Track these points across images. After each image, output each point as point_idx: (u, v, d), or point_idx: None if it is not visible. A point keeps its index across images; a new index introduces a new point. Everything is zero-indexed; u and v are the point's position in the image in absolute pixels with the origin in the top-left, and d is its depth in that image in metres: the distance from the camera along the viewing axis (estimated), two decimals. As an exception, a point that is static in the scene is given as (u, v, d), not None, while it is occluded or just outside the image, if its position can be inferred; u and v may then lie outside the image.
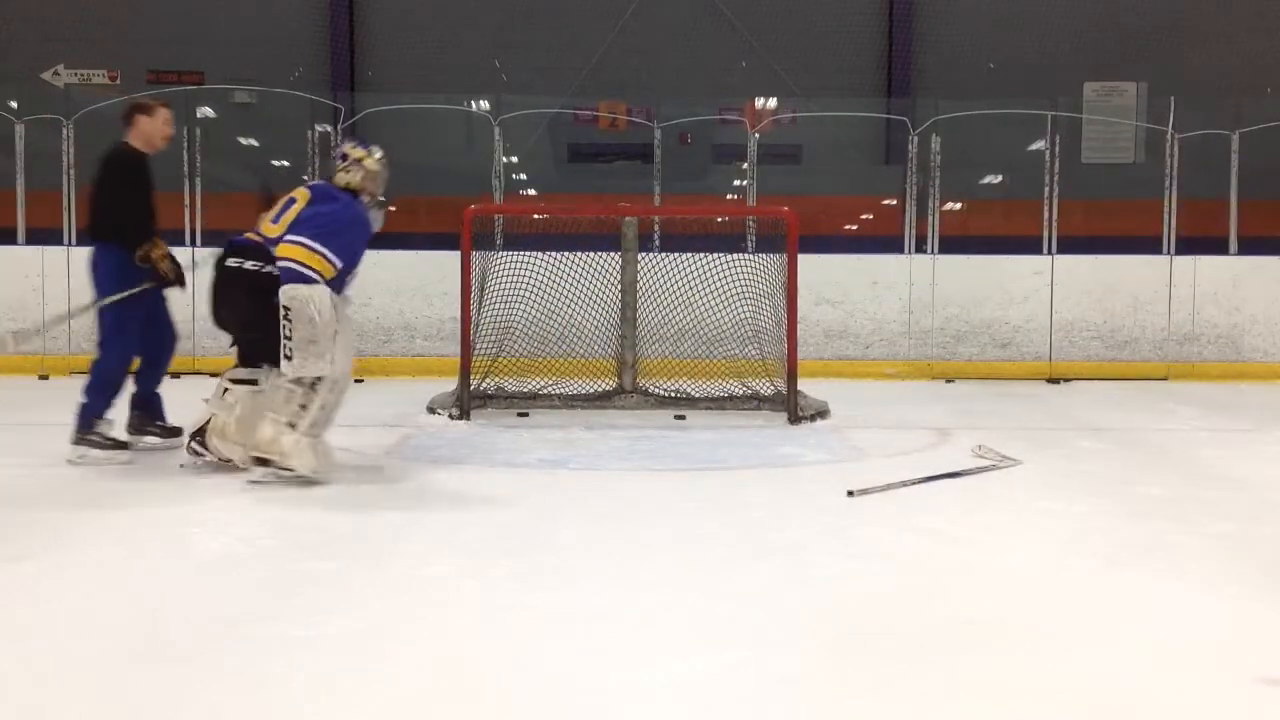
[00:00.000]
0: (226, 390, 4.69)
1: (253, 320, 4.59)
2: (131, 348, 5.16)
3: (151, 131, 5.26)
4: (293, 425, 4.42)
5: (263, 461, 4.43)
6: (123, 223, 5.05)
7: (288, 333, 4.37)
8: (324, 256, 4.46)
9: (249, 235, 4.70)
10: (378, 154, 4.83)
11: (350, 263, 4.63)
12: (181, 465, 4.79)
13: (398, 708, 2.23)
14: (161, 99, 5.50)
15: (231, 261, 4.64)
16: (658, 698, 2.29)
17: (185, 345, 9.01)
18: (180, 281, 5.18)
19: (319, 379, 4.44)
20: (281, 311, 4.38)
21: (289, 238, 4.48)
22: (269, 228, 4.61)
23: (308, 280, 4.40)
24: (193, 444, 4.78)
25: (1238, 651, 2.60)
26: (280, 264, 4.45)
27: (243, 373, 4.72)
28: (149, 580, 3.12)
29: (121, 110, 5.39)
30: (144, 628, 2.69)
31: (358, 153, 4.80)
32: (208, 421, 4.70)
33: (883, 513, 4.04)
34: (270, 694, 2.29)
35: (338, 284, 4.58)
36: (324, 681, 2.34)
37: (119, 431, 5.12)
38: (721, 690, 2.32)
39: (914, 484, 4.41)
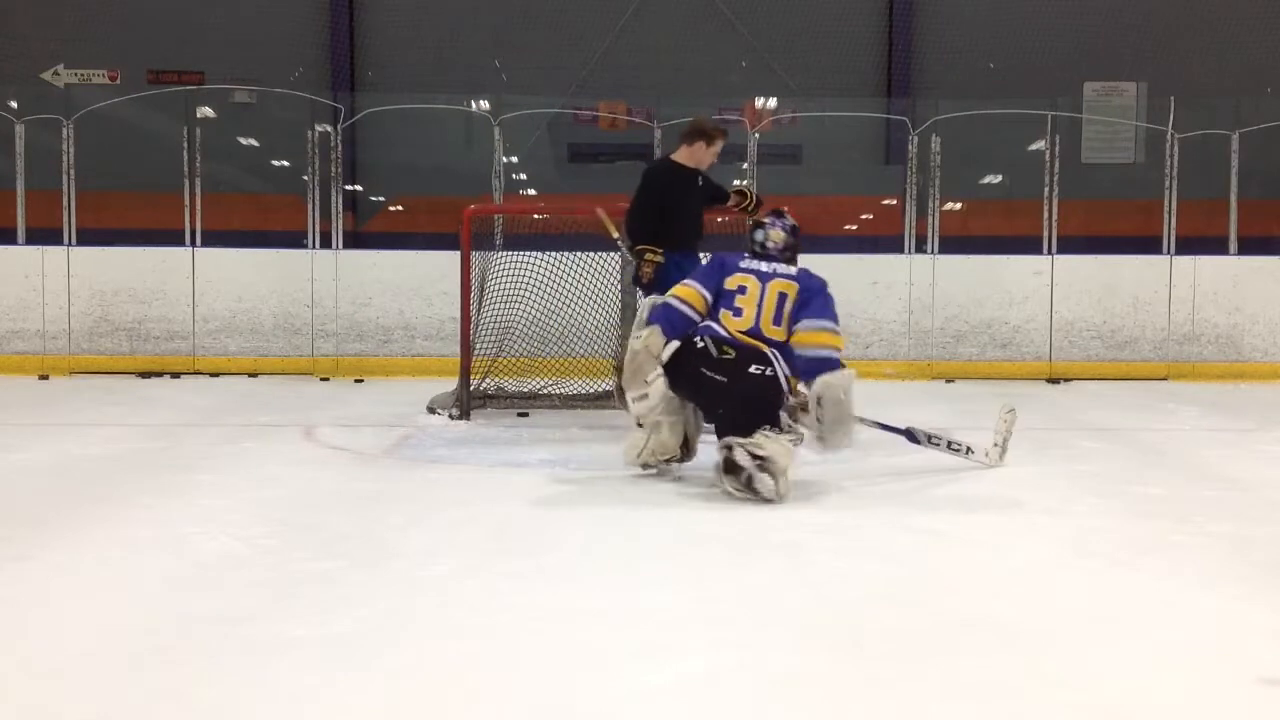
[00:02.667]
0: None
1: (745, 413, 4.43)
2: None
3: (701, 157, 5.72)
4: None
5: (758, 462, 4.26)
6: (633, 224, 5.63)
7: (819, 418, 4.42)
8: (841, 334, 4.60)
9: (724, 326, 4.54)
10: None
11: None
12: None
13: (398, 708, 2.23)
14: (719, 127, 5.78)
15: (753, 369, 4.43)
16: (658, 698, 2.29)
17: (185, 345, 9.13)
18: (647, 290, 5.55)
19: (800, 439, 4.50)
20: (813, 401, 4.40)
21: (818, 324, 4.50)
22: (772, 329, 4.51)
23: (841, 365, 4.48)
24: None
25: (1238, 651, 2.60)
26: (817, 354, 4.46)
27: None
28: (149, 580, 3.12)
29: (686, 126, 5.84)
30: (144, 628, 2.69)
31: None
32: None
33: (882, 512, 4.04)
34: (270, 694, 2.29)
35: None
36: (324, 681, 2.34)
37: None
38: (721, 690, 2.32)
39: (880, 428, 4.83)
